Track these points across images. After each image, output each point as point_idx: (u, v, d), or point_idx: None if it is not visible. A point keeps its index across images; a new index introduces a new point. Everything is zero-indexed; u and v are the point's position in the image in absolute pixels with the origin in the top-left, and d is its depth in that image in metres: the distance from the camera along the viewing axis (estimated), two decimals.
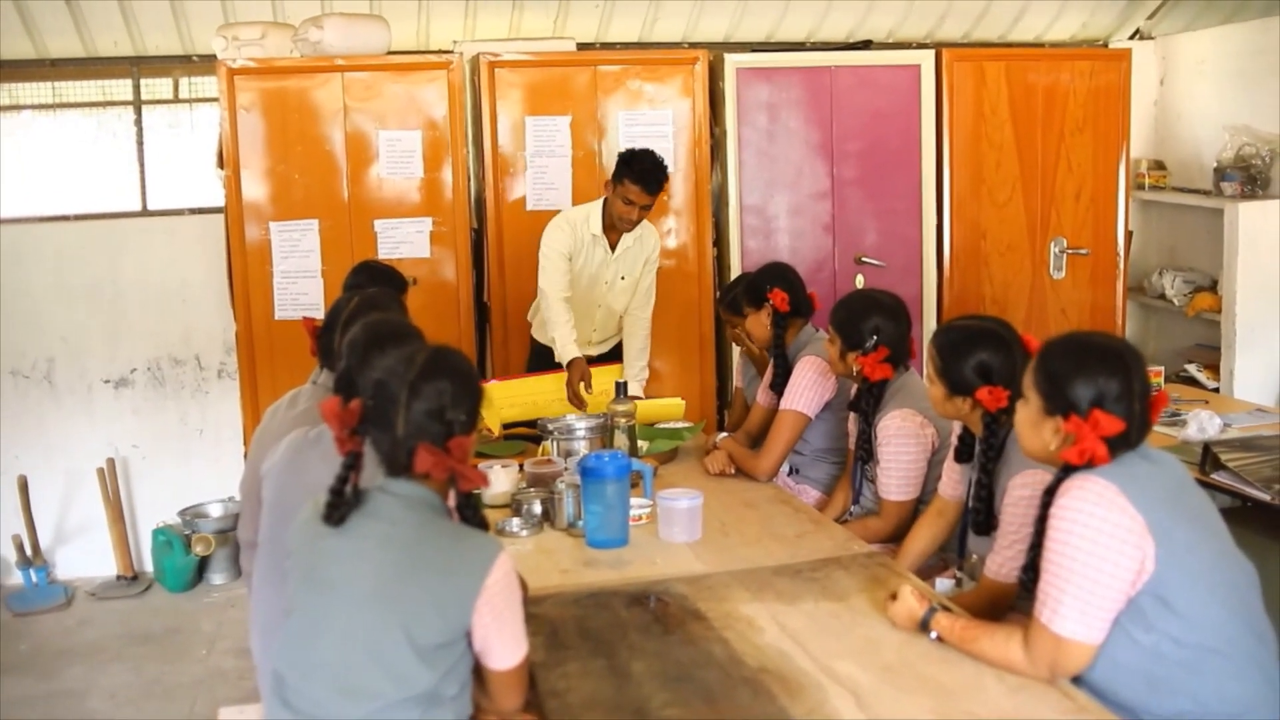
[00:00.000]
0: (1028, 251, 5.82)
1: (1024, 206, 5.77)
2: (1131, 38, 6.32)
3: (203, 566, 5.49)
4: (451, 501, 2.34)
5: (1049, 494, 2.29)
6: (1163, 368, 4.78)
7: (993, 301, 5.80)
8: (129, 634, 5.03)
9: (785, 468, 3.94)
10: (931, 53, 5.67)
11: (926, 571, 3.23)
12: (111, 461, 5.58)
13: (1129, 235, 6.00)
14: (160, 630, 5.06)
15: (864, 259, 5.71)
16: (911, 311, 5.67)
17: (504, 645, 2.24)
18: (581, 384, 4.42)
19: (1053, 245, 5.81)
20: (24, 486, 5.36)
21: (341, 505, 2.23)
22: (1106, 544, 2.16)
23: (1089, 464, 2.23)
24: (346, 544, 2.22)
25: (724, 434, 3.98)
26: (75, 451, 5.61)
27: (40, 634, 5.04)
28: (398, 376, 2.23)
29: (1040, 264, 5.83)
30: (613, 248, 4.72)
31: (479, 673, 2.30)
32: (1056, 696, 2.22)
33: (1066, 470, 2.26)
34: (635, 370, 4.81)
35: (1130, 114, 5.81)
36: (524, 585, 2.72)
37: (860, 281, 5.70)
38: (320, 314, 4.20)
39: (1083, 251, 5.82)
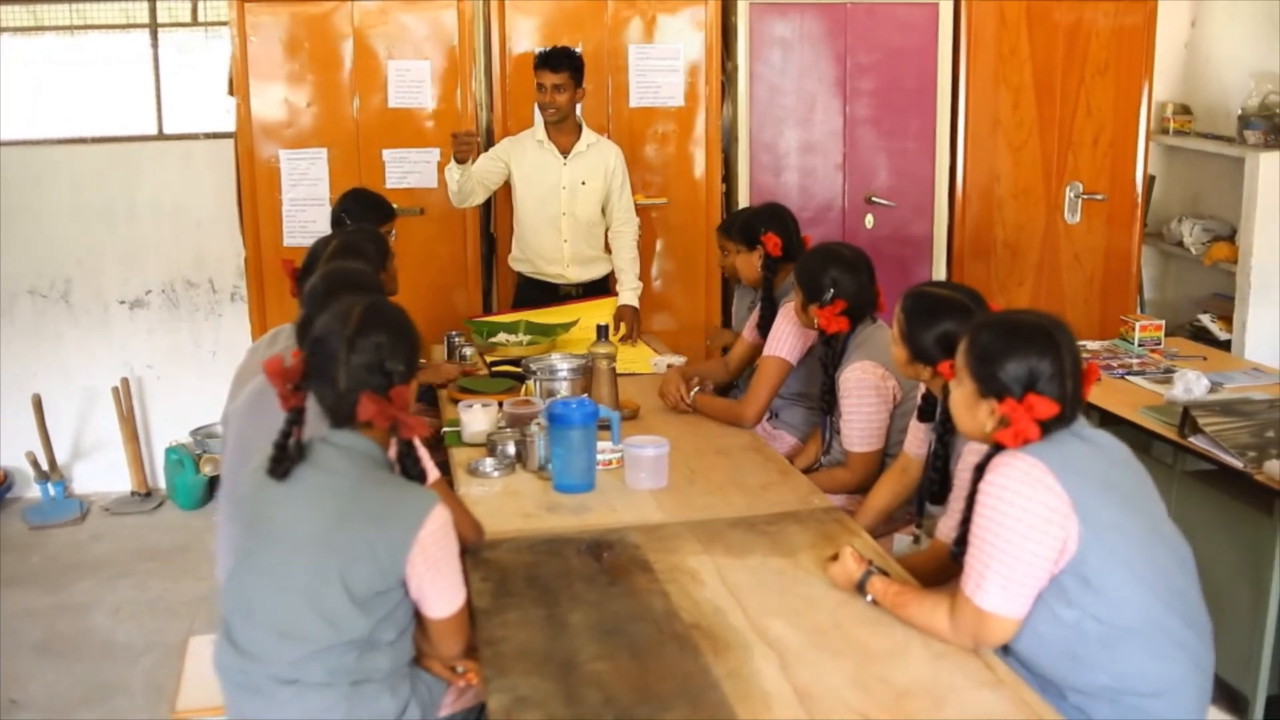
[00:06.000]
0: (1042, 195, 5.75)
1: (1040, 150, 5.70)
2: None
3: (213, 486, 5.61)
4: (393, 453, 2.39)
5: (979, 470, 2.30)
6: (1164, 321, 4.72)
7: (1004, 245, 5.75)
8: (138, 550, 5.17)
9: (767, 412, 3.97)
10: None
11: (889, 526, 3.27)
12: (126, 381, 5.69)
13: (1150, 180, 5.90)
14: (169, 547, 5.19)
15: (874, 199, 5.67)
16: (921, 253, 5.76)
17: (439, 594, 2.31)
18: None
19: (1068, 190, 5.74)
20: (38, 404, 5.49)
21: (285, 459, 2.30)
22: (1030, 523, 2.18)
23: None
24: (288, 492, 2.29)
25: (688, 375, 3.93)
26: (92, 370, 5.71)
27: (53, 547, 5.19)
28: (335, 333, 2.29)
29: (1055, 208, 5.77)
30: (564, 154, 4.82)
31: (422, 619, 2.38)
32: (977, 666, 2.25)
33: (998, 447, 2.28)
34: (628, 282, 4.91)
35: (1154, 57, 5.70)
36: (480, 530, 2.80)
37: (870, 221, 5.67)
38: None
39: (1099, 197, 5.75)
